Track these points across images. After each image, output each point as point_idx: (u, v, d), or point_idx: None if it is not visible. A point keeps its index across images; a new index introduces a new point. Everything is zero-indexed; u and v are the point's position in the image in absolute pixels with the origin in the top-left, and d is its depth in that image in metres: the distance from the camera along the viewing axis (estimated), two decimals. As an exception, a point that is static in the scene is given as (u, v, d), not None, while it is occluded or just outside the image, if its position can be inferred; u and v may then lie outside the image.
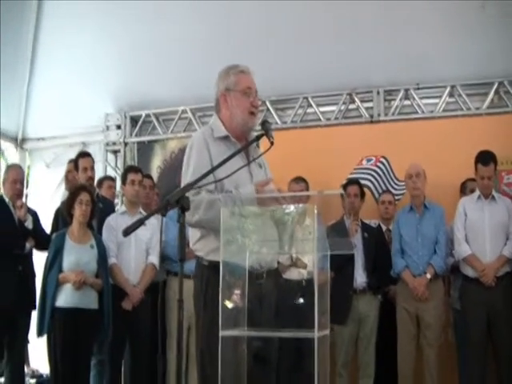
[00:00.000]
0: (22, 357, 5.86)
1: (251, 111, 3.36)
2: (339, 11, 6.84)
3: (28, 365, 6.76)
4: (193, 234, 3.34)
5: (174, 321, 5.27)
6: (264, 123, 3.22)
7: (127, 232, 2.83)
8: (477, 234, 5.41)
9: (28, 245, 5.67)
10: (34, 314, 5.45)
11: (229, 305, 2.89)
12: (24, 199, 6.21)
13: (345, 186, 6.00)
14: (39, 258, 5.82)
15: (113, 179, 7.16)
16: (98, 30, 7.65)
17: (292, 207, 2.77)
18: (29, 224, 5.67)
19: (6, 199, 5.71)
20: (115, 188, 7.09)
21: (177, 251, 2.71)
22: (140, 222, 2.83)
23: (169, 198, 2.79)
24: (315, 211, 2.61)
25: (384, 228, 6.24)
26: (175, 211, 2.84)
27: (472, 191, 5.73)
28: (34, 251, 5.91)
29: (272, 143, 3.14)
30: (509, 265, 5.34)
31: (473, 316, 5.31)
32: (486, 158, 5.42)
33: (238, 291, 2.92)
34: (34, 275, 5.87)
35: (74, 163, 6.18)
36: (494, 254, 5.32)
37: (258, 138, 3.25)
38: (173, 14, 7.31)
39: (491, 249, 5.34)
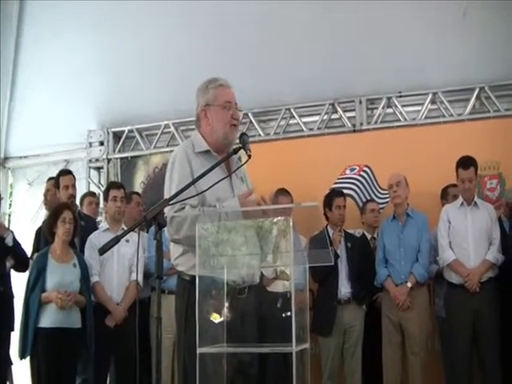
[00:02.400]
0: (2, 379, 5.78)
1: (232, 124, 3.35)
2: (320, 22, 6.85)
3: (12, 386, 6.67)
4: (174, 250, 3.31)
5: (158, 338, 5.22)
6: (242, 136, 3.21)
7: (103, 250, 2.79)
8: (460, 240, 5.42)
9: (8, 264, 5.59)
10: (13, 335, 5.37)
11: (214, 320, 2.86)
12: (2, 217, 6.13)
13: (329, 197, 5.97)
14: (17, 280, 5.76)
15: (94, 194, 7.10)
16: (80, 46, 7.63)
17: (277, 219, 2.75)
18: (9, 241, 5.58)
19: None
20: (98, 204, 7.02)
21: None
22: (116, 240, 2.79)
23: (146, 214, 2.75)
24: (291, 224, 2.58)
25: (369, 236, 6.24)
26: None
27: (455, 197, 5.76)
28: (12, 272, 5.82)
29: (249, 156, 3.13)
30: (492, 270, 5.34)
31: (458, 322, 5.30)
32: (465, 162, 5.48)
33: (223, 306, 2.89)
34: (12, 296, 5.80)
35: (55, 181, 6.12)
36: (477, 259, 5.33)
37: (236, 151, 3.22)
38: (155, 28, 7.31)
39: (475, 254, 5.35)
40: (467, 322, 5.25)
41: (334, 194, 6.06)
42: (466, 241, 5.40)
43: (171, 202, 2.90)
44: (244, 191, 3.30)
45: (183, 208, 3.08)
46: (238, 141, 3.24)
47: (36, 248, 5.78)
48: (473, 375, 5.29)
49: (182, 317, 3.18)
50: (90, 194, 7.07)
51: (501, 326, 5.23)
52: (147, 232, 6.07)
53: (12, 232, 5.82)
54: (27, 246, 5.95)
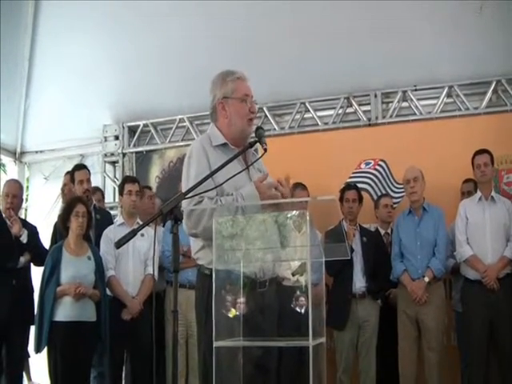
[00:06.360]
0: (19, 371, 5.82)
1: (250, 118, 3.33)
2: (335, 16, 6.83)
3: (30, 379, 6.71)
4: (194, 244, 3.29)
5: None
6: (257, 130, 3.19)
7: (120, 244, 2.79)
8: (478, 235, 5.39)
9: (23, 259, 5.61)
10: (33, 329, 5.40)
11: (231, 314, 2.84)
12: (18, 213, 6.16)
13: (342, 191, 5.97)
14: (38, 273, 5.78)
15: (97, 189, 7.07)
16: (95, 42, 7.66)
17: (293, 212, 2.73)
18: (24, 238, 5.60)
19: (4, 214, 5.68)
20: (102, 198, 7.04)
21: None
22: (133, 234, 2.78)
23: (162, 208, 2.74)
24: (307, 218, 2.57)
25: (382, 232, 6.21)
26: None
27: (469, 193, 5.74)
28: (32, 266, 5.85)
29: (265, 150, 3.11)
30: (510, 266, 5.30)
31: (475, 318, 5.27)
32: (479, 150, 5.55)
33: (240, 300, 2.88)
34: (31, 290, 5.84)
35: (70, 176, 6.14)
36: (495, 255, 5.30)
37: (252, 144, 3.21)
38: (169, 23, 7.30)
39: (492, 250, 5.32)
40: (484, 318, 5.22)
41: (345, 188, 6.08)
42: (483, 236, 5.37)
43: (188, 196, 2.89)
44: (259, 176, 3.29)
45: (201, 201, 3.05)
46: (253, 134, 3.22)
47: (54, 242, 5.80)
48: (490, 370, 5.26)
49: (202, 310, 3.16)
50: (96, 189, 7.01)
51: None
52: (163, 226, 6.08)
53: (34, 227, 5.84)
54: (43, 240, 5.97)
